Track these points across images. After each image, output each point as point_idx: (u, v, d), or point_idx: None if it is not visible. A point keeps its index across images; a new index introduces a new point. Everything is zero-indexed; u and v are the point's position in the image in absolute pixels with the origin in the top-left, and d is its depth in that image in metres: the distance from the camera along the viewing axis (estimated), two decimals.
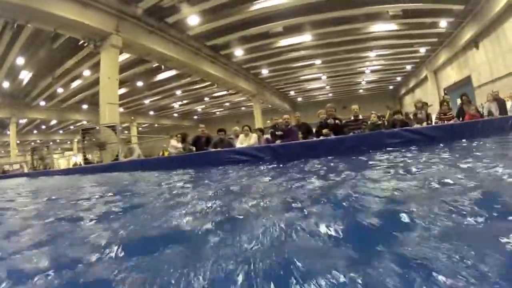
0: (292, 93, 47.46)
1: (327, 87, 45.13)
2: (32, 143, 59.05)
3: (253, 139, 10.97)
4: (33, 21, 19.31)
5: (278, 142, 9.87)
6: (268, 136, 11.77)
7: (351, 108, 11.24)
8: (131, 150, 14.35)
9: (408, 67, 38.68)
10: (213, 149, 10.56)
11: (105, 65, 21.07)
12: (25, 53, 25.86)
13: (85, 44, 22.34)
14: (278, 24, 24.22)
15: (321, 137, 10.00)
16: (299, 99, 51.51)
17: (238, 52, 28.92)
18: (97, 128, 19.87)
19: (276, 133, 10.76)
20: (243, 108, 52.55)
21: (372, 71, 39.40)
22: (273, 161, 8.08)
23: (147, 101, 43.34)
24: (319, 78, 40.09)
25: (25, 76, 30.96)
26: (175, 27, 23.84)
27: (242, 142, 11.00)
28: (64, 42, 24.20)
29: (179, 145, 13.17)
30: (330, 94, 48.38)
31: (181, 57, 25.92)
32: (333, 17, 23.45)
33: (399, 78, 44.38)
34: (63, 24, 19.23)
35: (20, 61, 26.64)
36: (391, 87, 49.06)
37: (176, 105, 48.59)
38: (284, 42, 27.41)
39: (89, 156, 20.98)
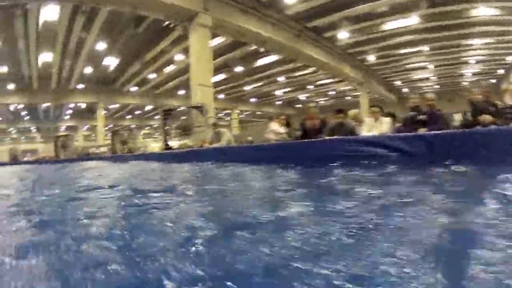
0: (398, 83, 43.77)
1: (433, 77, 41.11)
2: (126, 128, 60.61)
3: (385, 124, 7.60)
4: (103, 3, 18.41)
5: (422, 130, 6.43)
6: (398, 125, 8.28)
7: (504, 89, 7.63)
8: (218, 135, 11.62)
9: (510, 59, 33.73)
10: (329, 137, 7.14)
11: (195, 45, 19.54)
12: (106, 39, 25.11)
13: (171, 25, 21.05)
14: (384, 3, 21.36)
15: (478, 127, 6.66)
16: (405, 90, 47.25)
17: (343, 35, 26.35)
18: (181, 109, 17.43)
19: (419, 117, 7.26)
20: (348, 98, 49.26)
21: (477, 62, 35.12)
22: (428, 160, 4.81)
23: (248, 88, 41.84)
24: (425, 68, 36.23)
25: (111, 62, 30.60)
26: (271, 6, 21.77)
27: (370, 129, 7.62)
28: (150, 25, 22.97)
29: (282, 129, 10.12)
30: (436, 86, 44.27)
31: (281, 38, 23.79)
32: None
33: (502, 71, 39.07)
34: (140, 4, 18.23)
35: (101, 46, 26.06)
36: (494, 80, 43.06)
37: (279, 92, 46.80)
38: (390, 25, 24.48)
39: (173, 142, 18.33)
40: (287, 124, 10.54)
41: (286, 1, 20.93)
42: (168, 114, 17.87)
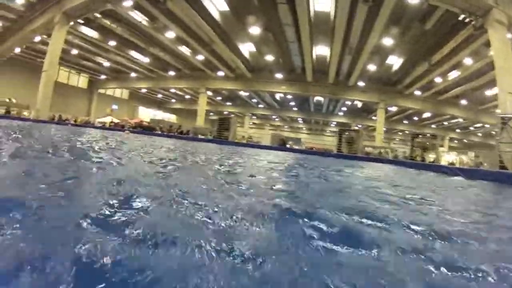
0: None
1: None
2: (399, 133, 61.35)
3: None
4: None
5: None
6: None
7: None
8: None
9: None
10: None
11: (496, 44, 18.47)
12: (392, 35, 25.22)
13: (466, 20, 19.80)
14: None
15: None
16: None
17: None
18: None
19: None
20: None
21: None
22: None
23: None
24: None
25: (394, 61, 30.85)
26: None
27: None
28: (439, 22, 22.45)
29: None
30: None
31: None
32: None
33: None
34: None
35: (388, 42, 26.26)
36: None
37: None
38: None
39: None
40: None
41: None
42: None
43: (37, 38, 36.06)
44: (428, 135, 29.58)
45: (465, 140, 64.29)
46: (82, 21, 31.62)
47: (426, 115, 48.94)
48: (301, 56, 32.25)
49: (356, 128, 39.24)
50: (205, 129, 38.04)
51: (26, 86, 43.16)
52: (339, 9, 21.66)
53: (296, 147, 38.03)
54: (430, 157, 26.45)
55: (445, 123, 53.48)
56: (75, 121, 39.81)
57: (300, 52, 31.11)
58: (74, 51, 41.71)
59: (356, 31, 24.47)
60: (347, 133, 27.96)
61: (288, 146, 35.01)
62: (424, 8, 20.20)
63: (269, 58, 35.23)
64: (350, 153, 25.82)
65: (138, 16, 29.07)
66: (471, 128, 56.07)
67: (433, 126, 57.16)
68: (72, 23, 30.64)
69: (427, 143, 24.62)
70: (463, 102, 40.08)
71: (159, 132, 34.88)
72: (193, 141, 25.98)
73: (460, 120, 47.19)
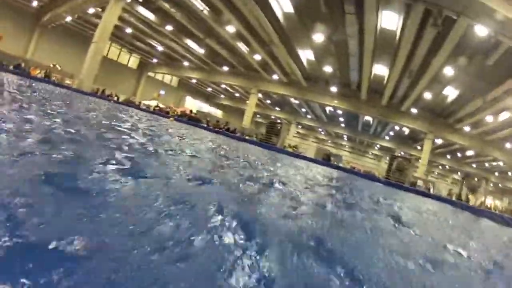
0: None
1: None
2: (439, 167, 61.00)
3: None
4: (466, 14, 17.87)
5: None
6: None
7: None
8: None
9: None
10: None
11: None
12: (453, 65, 24.99)
13: None
14: None
15: None
16: None
17: None
18: None
19: None
20: None
21: None
22: None
23: None
24: None
25: (450, 92, 30.62)
26: None
27: None
28: (501, 59, 22.14)
29: None
30: None
31: None
32: None
33: None
34: (500, 23, 17.29)
35: (448, 72, 25.98)
36: None
37: None
38: None
39: None
40: None
41: None
42: None
43: (91, 10, 37.51)
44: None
45: (500, 185, 63.68)
46: (140, 0, 32.96)
47: (470, 153, 48.85)
48: (359, 72, 32.48)
49: (404, 155, 39.20)
50: (252, 130, 38.44)
51: (73, 55, 44.94)
52: (406, 29, 21.84)
53: (340, 164, 37.62)
54: (471, 198, 26.41)
55: (486, 164, 53.45)
56: (120, 99, 41.14)
57: (359, 67, 31.27)
58: (128, 30, 43.06)
59: (420, 54, 24.45)
60: (399, 160, 28.01)
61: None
62: (490, 42, 20.35)
63: (327, 69, 35.52)
64: (398, 182, 25.99)
65: (199, 4, 29.62)
66: (509, 174, 55.77)
67: (473, 165, 56.96)
68: (129, 0, 31.90)
69: (476, 184, 24.62)
70: (508, 145, 39.89)
71: (205, 125, 35.44)
72: (239, 141, 26.74)
73: (501, 163, 46.96)
